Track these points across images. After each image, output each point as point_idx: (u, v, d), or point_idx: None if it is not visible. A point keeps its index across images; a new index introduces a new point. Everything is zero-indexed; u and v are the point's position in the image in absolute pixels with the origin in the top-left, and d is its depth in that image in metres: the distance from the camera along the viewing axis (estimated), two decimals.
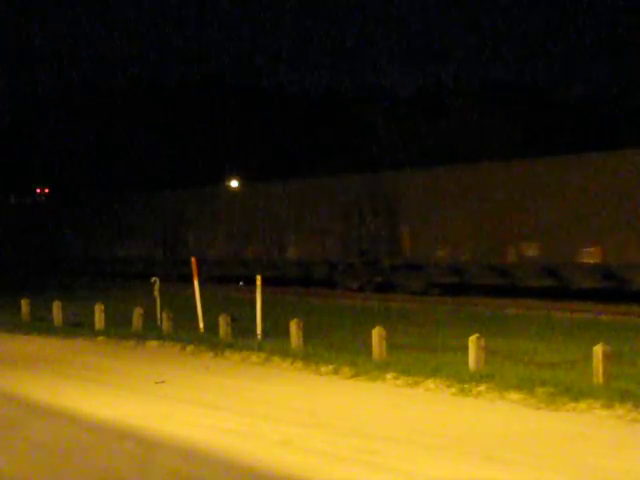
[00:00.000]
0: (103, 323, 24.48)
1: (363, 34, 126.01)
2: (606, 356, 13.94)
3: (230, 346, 19.83)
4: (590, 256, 30.16)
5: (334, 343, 19.15)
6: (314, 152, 72.30)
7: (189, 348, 20.43)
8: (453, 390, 14.45)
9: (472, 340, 15.52)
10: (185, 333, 22.11)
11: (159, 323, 23.61)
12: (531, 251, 31.81)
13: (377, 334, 17.26)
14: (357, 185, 39.05)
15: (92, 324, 24.65)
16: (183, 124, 77.24)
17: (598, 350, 13.97)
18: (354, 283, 38.13)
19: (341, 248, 39.06)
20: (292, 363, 17.65)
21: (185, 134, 76.84)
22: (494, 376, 14.72)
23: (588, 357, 14.36)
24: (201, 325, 22.80)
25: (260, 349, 19.14)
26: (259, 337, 20.80)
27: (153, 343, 21.47)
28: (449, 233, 34.59)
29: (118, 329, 23.69)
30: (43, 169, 79.85)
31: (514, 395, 13.69)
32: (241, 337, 20.80)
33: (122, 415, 13.21)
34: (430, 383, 14.98)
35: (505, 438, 11.25)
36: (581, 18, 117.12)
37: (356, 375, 16.12)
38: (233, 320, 21.70)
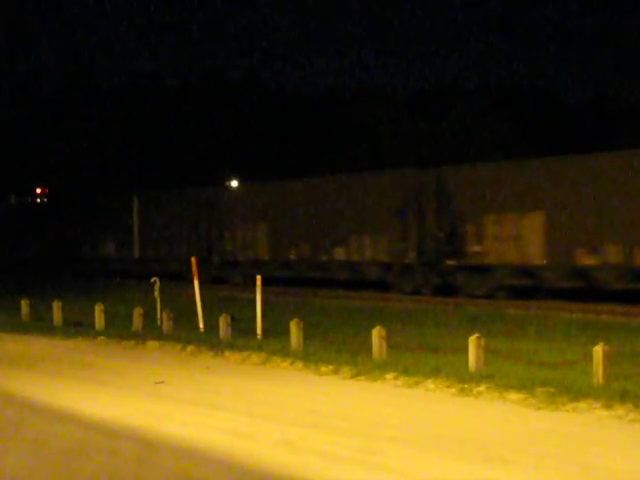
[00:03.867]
0: (103, 323, 24.48)
1: (363, 34, 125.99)
2: (606, 356, 13.94)
3: (230, 346, 19.84)
4: None
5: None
6: (314, 152, 72.28)
7: (189, 348, 20.43)
8: (453, 390, 14.45)
9: (472, 340, 15.52)
10: (185, 333, 22.12)
11: (159, 323, 23.62)
12: (611, 252, 29.60)
13: (377, 334, 17.27)
14: (415, 180, 35.83)
15: (92, 324, 24.65)
16: (183, 124, 77.24)
17: (598, 350, 13.97)
18: (409, 285, 35.76)
19: (396, 248, 36.21)
20: (292, 363, 17.65)
21: (185, 134, 76.82)
22: (494, 376, 14.73)
23: (588, 357, 14.36)
24: (201, 325, 22.82)
25: (260, 349, 19.15)
26: (259, 337, 20.82)
27: (153, 343, 21.47)
28: (520, 232, 31.90)
29: (118, 329, 23.69)
30: (43, 169, 79.85)
31: (514, 395, 13.68)
32: (241, 337, 20.81)
33: (122, 415, 13.22)
34: (430, 383, 14.98)
35: (505, 438, 11.25)
36: (581, 18, 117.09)
37: (356, 375, 16.12)
38: (233, 320, 21.71)
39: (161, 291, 25.00)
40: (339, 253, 38.46)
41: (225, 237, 44.63)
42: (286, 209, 41.62)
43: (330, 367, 16.85)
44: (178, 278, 42.55)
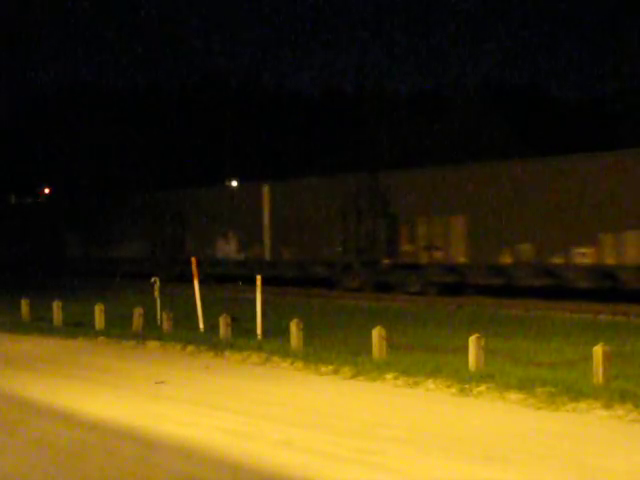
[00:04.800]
0: (103, 323, 24.48)
1: (363, 34, 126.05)
2: (606, 356, 13.94)
3: (230, 346, 19.84)
4: None
5: None
6: (313, 152, 72.29)
7: (189, 348, 20.43)
8: (453, 390, 14.45)
9: (472, 340, 15.52)
10: (185, 333, 22.12)
11: (159, 323, 23.62)
12: None
13: (377, 334, 17.26)
14: None
15: (92, 324, 24.65)
16: (183, 124, 77.26)
17: (598, 350, 13.97)
18: None
19: None
20: (292, 363, 17.66)
21: (185, 134, 76.84)
22: (494, 376, 14.73)
23: (588, 357, 14.36)
24: (201, 325, 22.82)
25: (260, 349, 19.15)
26: (259, 337, 20.82)
27: (153, 343, 21.47)
28: None
29: (118, 329, 23.68)
30: (43, 169, 79.88)
31: (514, 395, 13.69)
32: (241, 337, 20.82)
33: (122, 415, 13.22)
34: (430, 383, 14.98)
35: (505, 438, 11.25)
36: (581, 18, 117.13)
37: (356, 375, 16.12)
38: (233, 320, 21.72)
39: (158, 291, 24.98)
40: (582, 255, 29.73)
41: (400, 234, 35.33)
42: (496, 198, 32.42)
43: (330, 367, 16.85)
44: (327, 285, 37.59)
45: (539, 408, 12.97)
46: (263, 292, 21.72)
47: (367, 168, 42.08)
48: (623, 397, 12.83)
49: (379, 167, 43.50)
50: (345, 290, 36.83)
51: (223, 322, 21.38)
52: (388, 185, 36.34)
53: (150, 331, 22.92)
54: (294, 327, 19.20)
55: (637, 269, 28.54)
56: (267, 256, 41.22)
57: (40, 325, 25.89)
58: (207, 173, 70.10)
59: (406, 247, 35.11)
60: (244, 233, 42.30)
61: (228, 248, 43.13)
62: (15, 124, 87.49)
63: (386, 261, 36.05)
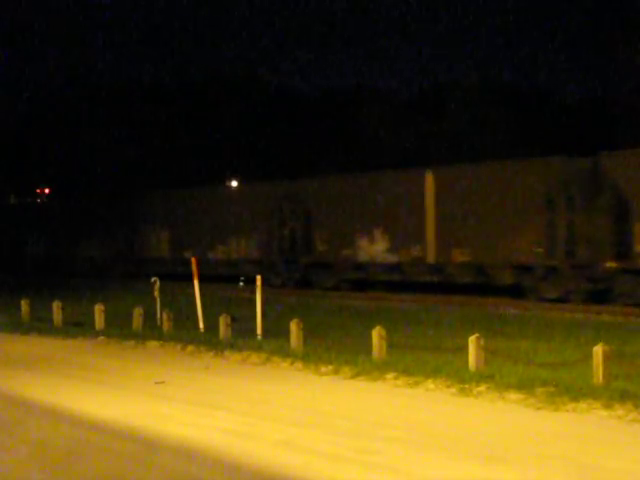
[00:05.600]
0: (103, 323, 24.48)
1: (363, 34, 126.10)
2: (606, 356, 13.94)
3: (230, 346, 19.85)
4: None
5: None
6: (314, 152, 72.30)
7: (189, 348, 20.43)
8: (453, 390, 14.46)
9: (472, 340, 15.52)
10: (185, 333, 22.12)
11: (159, 323, 23.62)
12: None
13: (377, 334, 17.26)
14: None
15: (92, 324, 24.65)
16: (183, 124, 77.26)
17: (598, 350, 13.98)
18: None
19: None
20: (292, 363, 17.66)
21: (185, 134, 76.85)
22: (494, 376, 14.73)
23: (588, 357, 14.37)
24: (201, 325, 22.82)
25: (260, 349, 19.16)
26: (259, 337, 20.81)
27: (153, 343, 21.47)
28: None
29: (118, 329, 23.68)
30: (43, 169, 79.90)
31: (514, 395, 13.69)
32: (241, 337, 20.82)
33: (122, 415, 13.22)
34: (430, 383, 14.99)
35: (505, 438, 11.25)
36: (581, 17, 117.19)
37: (356, 375, 16.12)
38: (233, 320, 21.71)
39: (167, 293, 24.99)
40: None
41: (634, 230, 27.92)
42: None
43: (330, 367, 16.85)
44: (518, 295, 31.43)
45: (539, 408, 12.97)
46: (263, 292, 21.72)
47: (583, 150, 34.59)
48: (623, 397, 12.84)
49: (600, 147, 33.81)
50: (541, 300, 30.02)
51: (223, 322, 21.38)
52: (614, 168, 28.58)
53: (150, 331, 22.92)
54: (294, 327, 19.19)
55: None
56: (430, 258, 34.14)
57: (40, 325, 25.88)
58: (207, 173, 70.10)
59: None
60: (396, 231, 35.28)
61: (374, 249, 36.12)
62: (15, 124, 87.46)
63: (610, 264, 28.60)
